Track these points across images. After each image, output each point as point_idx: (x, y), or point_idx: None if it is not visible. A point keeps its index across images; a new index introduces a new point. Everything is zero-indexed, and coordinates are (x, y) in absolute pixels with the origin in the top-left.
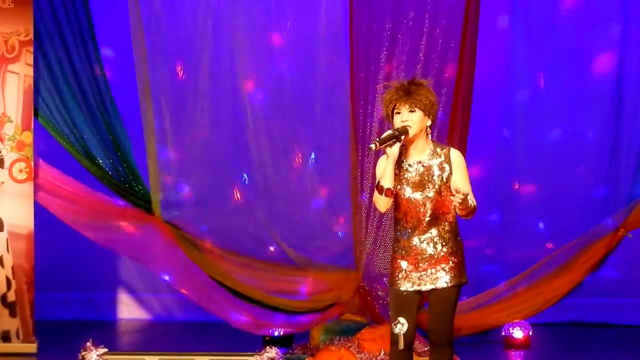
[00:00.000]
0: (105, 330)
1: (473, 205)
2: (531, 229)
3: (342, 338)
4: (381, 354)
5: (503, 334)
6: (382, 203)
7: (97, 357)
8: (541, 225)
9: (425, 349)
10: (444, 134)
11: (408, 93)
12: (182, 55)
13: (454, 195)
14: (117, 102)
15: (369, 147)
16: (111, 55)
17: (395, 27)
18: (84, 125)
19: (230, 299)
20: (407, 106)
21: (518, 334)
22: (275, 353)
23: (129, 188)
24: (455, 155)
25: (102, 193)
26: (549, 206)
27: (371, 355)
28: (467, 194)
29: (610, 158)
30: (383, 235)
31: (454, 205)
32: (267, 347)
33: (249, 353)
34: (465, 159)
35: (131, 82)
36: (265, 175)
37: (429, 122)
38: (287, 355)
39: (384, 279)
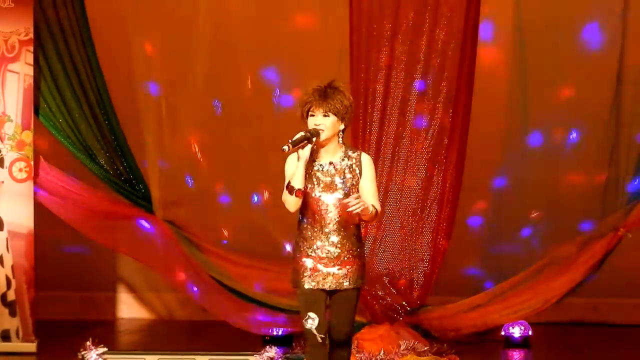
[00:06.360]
0: (105, 330)
1: (375, 210)
2: (531, 229)
3: None
4: (381, 354)
5: (503, 334)
6: (292, 203)
7: (97, 357)
8: (541, 225)
9: (425, 348)
10: (445, 134)
11: (324, 96)
12: (182, 54)
13: (349, 202)
14: (117, 100)
15: (282, 149)
16: (111, 54)
17: (395, 27)
18: (84, 124)
19: (231, 298)
20: (322, 110)
21: (518, 334)
22: (275, 353)
23: (130, 187)
24: (366, 159)
25: (102, 192)
26: (550, 206)
27: (371, 355)
28: (359, 200)
29: (610, 158)
30: (383, 235)
31: (352, 210)
32: (267, 347)
33: (249, 353)
34: (464, 158)
35: (131, 81)
36: (264, 175)
37: (342, 126)
38: (287, 355)
39: (384, 278)
